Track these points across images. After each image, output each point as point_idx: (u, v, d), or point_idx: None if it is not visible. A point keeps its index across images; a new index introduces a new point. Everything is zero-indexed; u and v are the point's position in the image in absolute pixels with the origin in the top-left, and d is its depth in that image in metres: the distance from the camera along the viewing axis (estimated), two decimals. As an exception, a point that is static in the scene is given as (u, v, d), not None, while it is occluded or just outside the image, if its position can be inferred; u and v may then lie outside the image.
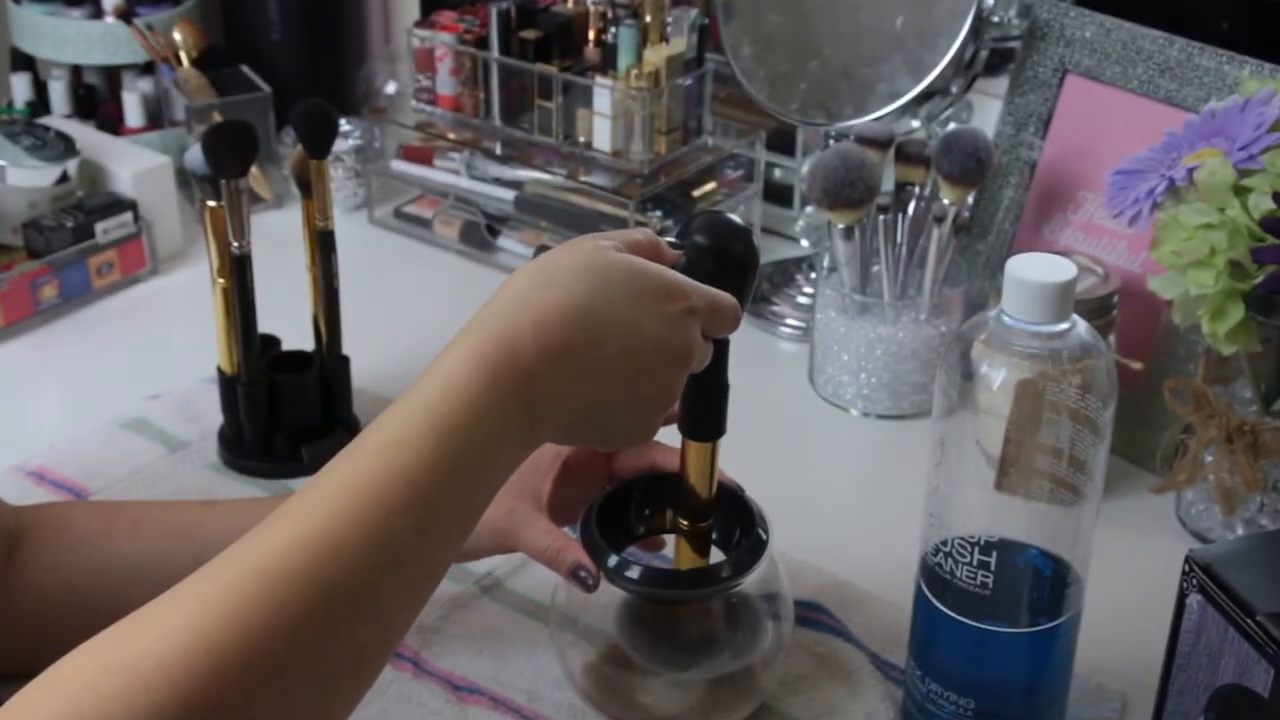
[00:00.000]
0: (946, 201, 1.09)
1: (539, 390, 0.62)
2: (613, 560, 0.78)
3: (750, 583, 0.80)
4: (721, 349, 0.72)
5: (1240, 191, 0.86)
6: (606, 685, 0.82)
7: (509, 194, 1.35)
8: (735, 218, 0.74)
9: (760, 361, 1.22)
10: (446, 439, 0.59)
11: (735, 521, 0.82)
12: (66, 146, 1.29)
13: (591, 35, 1.32)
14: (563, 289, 0.63)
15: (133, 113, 1.46)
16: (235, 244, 0.99)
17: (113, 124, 1.46)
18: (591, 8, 1.32)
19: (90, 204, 1.27)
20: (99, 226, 1.26)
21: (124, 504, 0.89)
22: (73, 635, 0.81)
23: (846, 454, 1.13)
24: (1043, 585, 0.77)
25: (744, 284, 0.72)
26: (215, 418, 1.07)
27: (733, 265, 0.72)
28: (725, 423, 0.77)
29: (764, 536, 0.79)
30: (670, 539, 0.83)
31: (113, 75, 1.49)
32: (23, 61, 1.50)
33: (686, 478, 0.78)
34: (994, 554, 0.75)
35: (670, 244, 0.71)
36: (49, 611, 0.81)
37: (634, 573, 0.77)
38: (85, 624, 0.80)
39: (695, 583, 0.79)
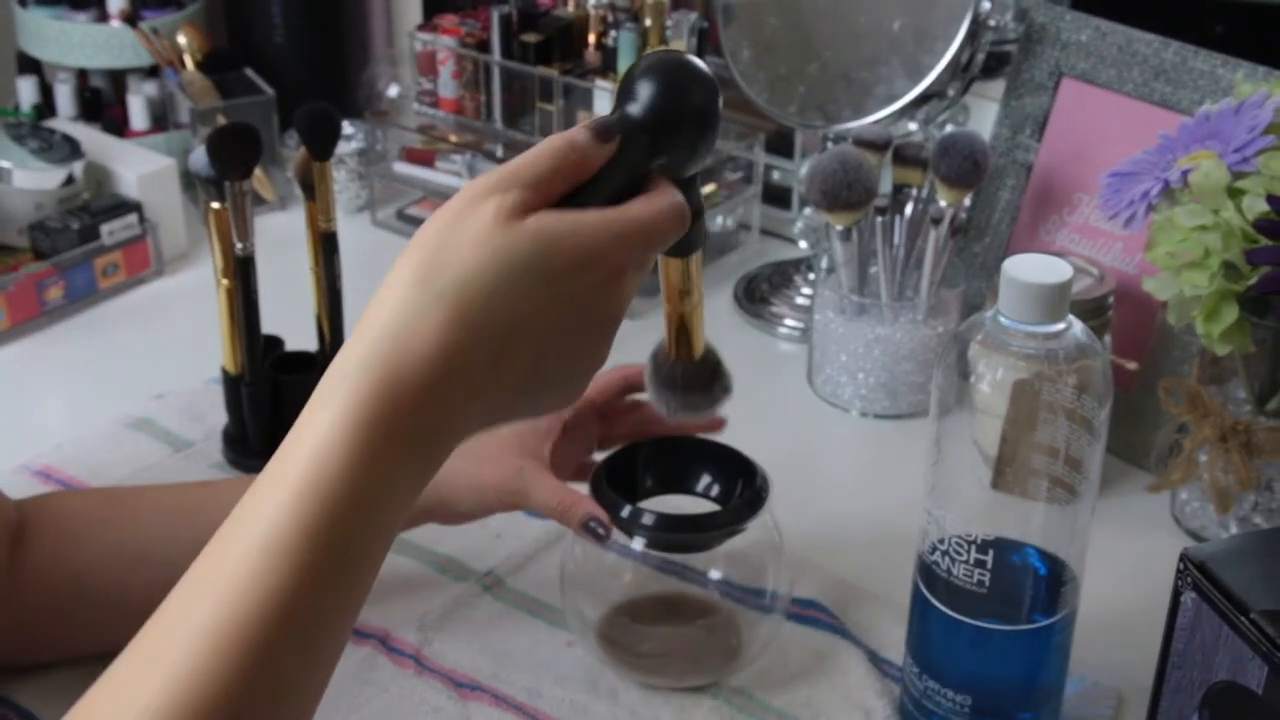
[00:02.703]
0: (943, 203, 1.10)
1: (427, 432, 0.55)
2: (626, 510, 0.81)
3: (749, 535, 0.83)
4: (689, 181, 0.60)
5: (1234, 194, 0.86)
6: (614, 639, 0.87)
7: (510, 196, 1.35)
8: (692, 58, 0.58)
9: (759, 362, 1.22)
10: (323, 535, 0.52)
11: (736, 478, 0.86)
12: (72, 149, 1.30)
13: (592, 39, 1.33)
14: (454, 302, 0.54)
15: (138, 115, 1.47)
16: (239, 245, 0.99)
17: (118, 127, 1.47)
18: (592, 11, 1.33)
19: (96, 206, 1.28)
20: (104, 228, 1.27)
21: (122, 489, 0.90)
22: (77, 624, 0.82)
23: (844, 453, 1.13)
24: (1039, 583, 0.78)
25: (701, 144, 0.58)
26: (219, 418, 1.07)
27: (689, 120, 0.56)
28: (704, 238, 0.65)
29: (763, 495, 0.83)
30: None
31: (118, 78, 1.50)
32: (29, 65, 1.51)
33: (668, 289, 0.67)
34: (990, 552, 0.75)
35: (598, 128, 0.57)
36: (53, 601, 0.81)
37: (647, 520, 0.81)
38: (89, 612, 0.81)
39: (705, 527, 0.82)
